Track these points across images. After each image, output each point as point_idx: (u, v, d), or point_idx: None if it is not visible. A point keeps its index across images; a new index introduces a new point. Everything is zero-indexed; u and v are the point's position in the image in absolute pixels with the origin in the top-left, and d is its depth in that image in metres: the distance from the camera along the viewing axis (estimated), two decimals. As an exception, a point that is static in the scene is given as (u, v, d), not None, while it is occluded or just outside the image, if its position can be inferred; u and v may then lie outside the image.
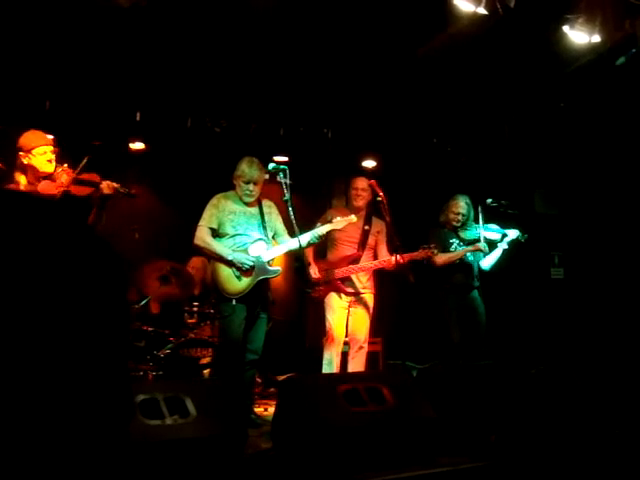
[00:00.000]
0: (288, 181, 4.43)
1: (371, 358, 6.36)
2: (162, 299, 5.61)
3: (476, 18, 4.75)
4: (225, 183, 4.81)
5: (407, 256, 5.03)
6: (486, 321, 5.53)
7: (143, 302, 5.42)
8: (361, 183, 5.31)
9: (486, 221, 5.53)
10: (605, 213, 6.65)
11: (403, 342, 6.15)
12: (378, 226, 5.37)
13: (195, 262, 5.84)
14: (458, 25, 4.93)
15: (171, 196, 6.90)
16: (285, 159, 6.68)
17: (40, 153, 3.88)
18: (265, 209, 4.76)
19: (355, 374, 4.72)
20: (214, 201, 4.69)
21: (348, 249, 5.29)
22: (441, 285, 5.56)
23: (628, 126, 6.15)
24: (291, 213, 4.42)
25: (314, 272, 5.18)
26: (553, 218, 7.18)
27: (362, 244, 5.31)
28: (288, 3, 4.74)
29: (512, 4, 4.63)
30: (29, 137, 3.94)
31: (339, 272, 5.20)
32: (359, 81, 6.01)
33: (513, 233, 5.55)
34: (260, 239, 4.65)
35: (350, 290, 5.24)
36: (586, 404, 3.83)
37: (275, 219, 4.81)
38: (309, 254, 5.25)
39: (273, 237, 4.77)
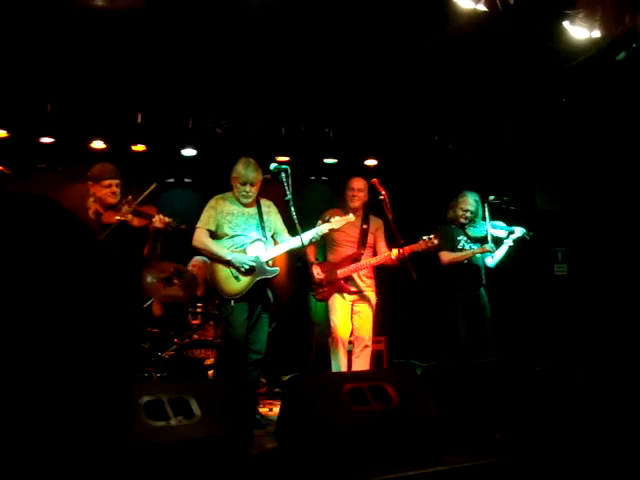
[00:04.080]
0: (290, 181, 4.43)
1: (376, 357, 6.36)
2: (165, 301, 5.61)
3: (476, 15, 4.74)
4: (227, 184, 4.81)
5: (408, 248, 5.06)
6: (491, 319, 5.53)
7: (147, 304, 5.42)
8: (357, 183, 5.33)
9: (492, 218, 5.52)
10: (608, 208, 6.63)
11: (407, 340, 6.14)
12: (376, 224, 5.40)
13: (198, 260, 5.84)
14: (458, 22, 4.92)
15: (173, 197, 6.90)
16: (287, 159, 6.69)
17: (106, 185, 4.17)
18: (264, 209, 4.76)
19: (359, 373, 4.72)
20: (212, 203, 4.70)
21: (348, 249, 5.30)
22: (448, 283, 5.55)
23: (629, 121, 6.14)
24: (293, 212, 4.43)
25: (317, 272, 5.19)
26: (555, 214, 7.16)
27: (362, 243, 5.33)
28: (288, 3, 4.74)
29: (512, 1, 4.62)
30: (99, 169, 4.23)
31: (342, 272, 5.21)
32: (360, 80, 6.00)
33: (519, 231, 5.54)
34: (258, 239, 4.65)
35: (353, 289, 5.26)
36: (591, 401, 3.83)
37: (274, 218, 4.80)
38: (310, 255, 5.26)
39: (273, 236, 4.77)
